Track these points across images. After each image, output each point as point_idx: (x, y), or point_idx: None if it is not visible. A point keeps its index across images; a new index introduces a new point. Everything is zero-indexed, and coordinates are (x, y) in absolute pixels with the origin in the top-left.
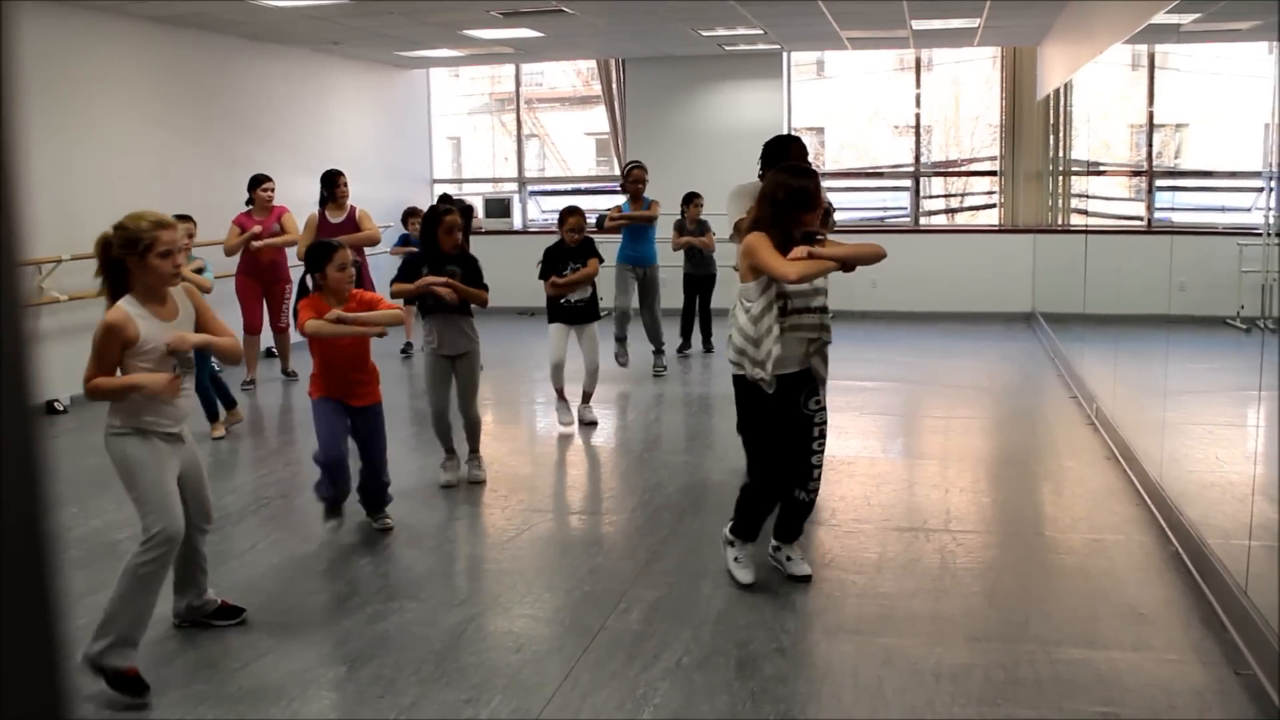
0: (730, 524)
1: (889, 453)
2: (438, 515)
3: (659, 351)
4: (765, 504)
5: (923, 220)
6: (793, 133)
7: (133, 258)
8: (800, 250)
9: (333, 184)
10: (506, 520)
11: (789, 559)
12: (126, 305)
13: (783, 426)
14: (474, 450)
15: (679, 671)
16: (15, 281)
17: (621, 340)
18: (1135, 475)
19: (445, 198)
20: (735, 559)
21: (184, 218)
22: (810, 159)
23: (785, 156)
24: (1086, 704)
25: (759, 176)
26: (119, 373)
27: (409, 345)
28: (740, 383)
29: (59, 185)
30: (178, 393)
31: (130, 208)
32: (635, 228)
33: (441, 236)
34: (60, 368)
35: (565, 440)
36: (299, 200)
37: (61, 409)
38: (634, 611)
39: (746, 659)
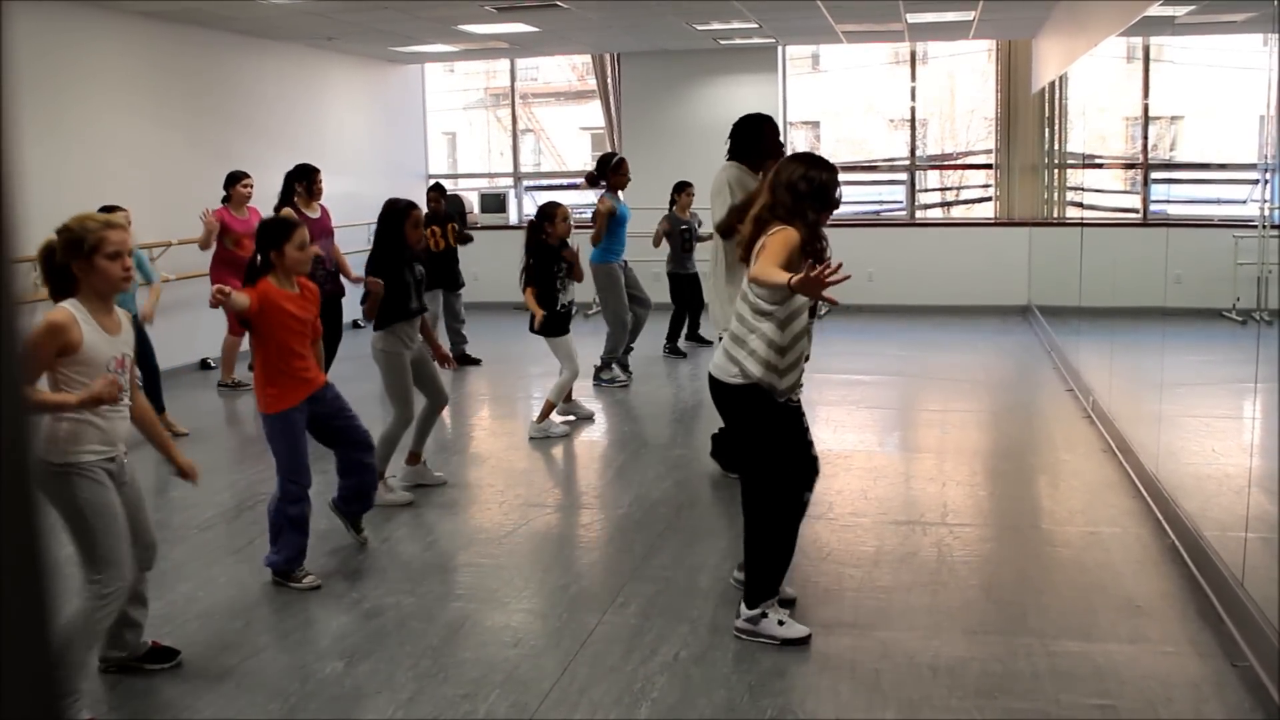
0: (749, 597)
1: (885, 446)
2: (434, 510)
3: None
4: (792, 533)
5: (918, 214)
6: (768, 120)
7: (79, 261)
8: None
9: (312, 179)
10: (503, 515)
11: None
12: (72, 307)
13: (795, 430)
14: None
15: (676, 666)
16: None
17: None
18: (1132, 468)
19: (437, 187)
20: (780, 622)
21: (114, 208)
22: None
23: (760, 138)
24: (1083, 696)
25: (728, 158)
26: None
27: None
28: (754, 395)
29: (52, 182)
30: (116, 396)
31: (124, 204)
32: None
33: (409, 231)
34: None
35: (561, 436)
36: None
37: None
38: (631, 606)
39: (744, 653)
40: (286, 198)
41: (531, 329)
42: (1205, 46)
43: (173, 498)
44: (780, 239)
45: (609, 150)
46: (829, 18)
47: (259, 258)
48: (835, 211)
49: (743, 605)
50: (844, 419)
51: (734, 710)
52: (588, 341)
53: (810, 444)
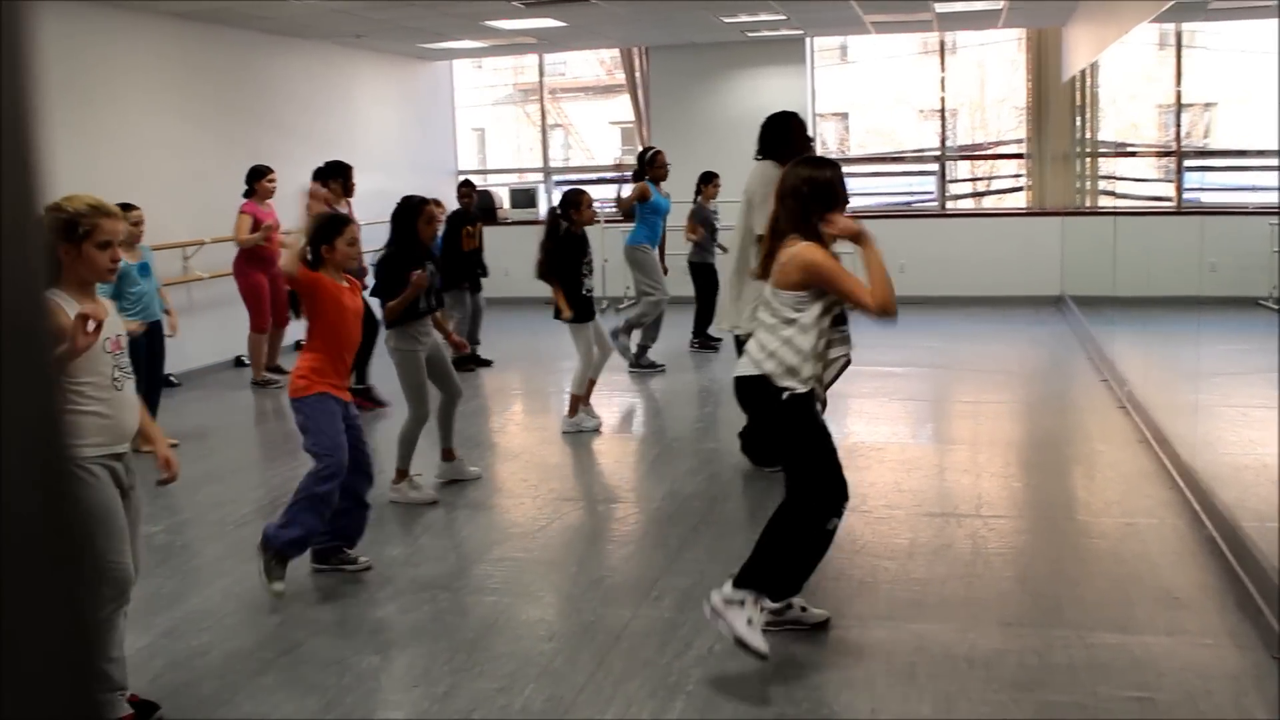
0: (740, 576)
1: (919, 438)
2: (467, 505)
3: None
4: (811, 543)
5: (949, 205)
6: (794, 116)
7: (67, 245)
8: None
9: (347, 176)
10: (537, 510)
11: (804, 609)
12: (55, 295)
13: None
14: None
15: (711, 659)
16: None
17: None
18: (1168, 458)
19: (467, 183)
20: (749, 620)
21: (129, 207)
22: (811, 136)
23: (788, 133)
24: (1121, 689)
25: (756, 158)
26: None
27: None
28: (788, 401)
29: (83, 182)
30: (89, 341)
31: (154, 203)
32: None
33: (421, 228)
34: None
35: (592, 431)
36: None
37: None
38: (665, 600)
39: (779, 646)
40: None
41: (557, 316)
42: (1238, 32)
43: (208, 494)
44: (818, 260)
45: (639, 144)
46: (857, 8)
47: (309, 253)
48: (848, 206)
49: (729, 582)
50: (877, 411)
51: (769, 703)
52: (665, 333)
53: (840, 466)
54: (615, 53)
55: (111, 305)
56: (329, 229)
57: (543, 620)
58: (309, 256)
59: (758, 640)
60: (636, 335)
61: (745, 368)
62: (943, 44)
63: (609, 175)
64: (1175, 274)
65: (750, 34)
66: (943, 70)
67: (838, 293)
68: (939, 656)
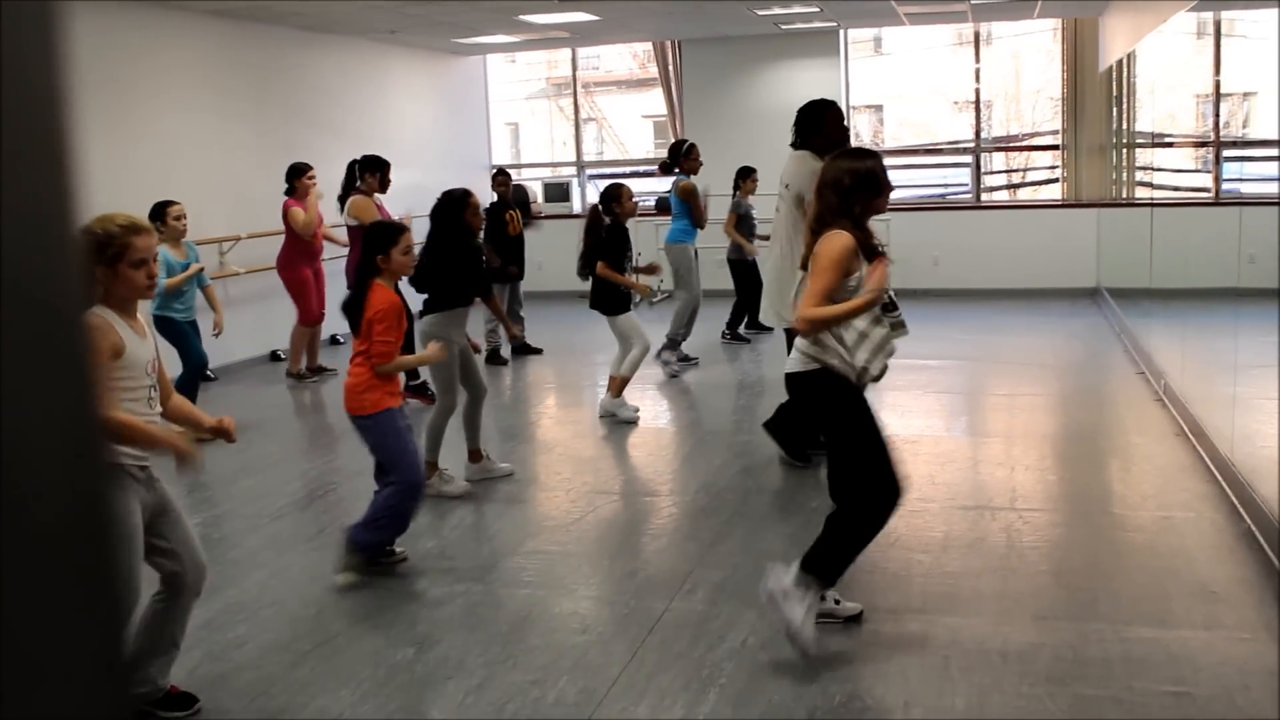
0: (805, 561)
1: (953, 431)
2: (501, 498)
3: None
4: (882, 523)
5: (984, 196)
6: (831, 105)
7: (101, 266)
8: (875, 275)
9: (385, 171)
10: (571, 503)
11: (838, 601)
12: (103, 312)
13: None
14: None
15: (744, 652)
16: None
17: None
18: (1205, 451)
19: (502, 172)
20: (808, 610)
21: (170, 203)
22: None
23: (823, 121)
24: (1157, 683)
25: (793, 145)
26: None
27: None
28: (832, 385)
29: (120, 180)
30: (196, 463)
31: (191, 199)
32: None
33: (470, 219)
34: None
35: (627, 424)
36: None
37: None
38: (699, 592)
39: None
40: (350, 187)
41: (592, 305)
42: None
43: (245, 487)
44: (829, 252)
45: (672, 138)
46: (891, 0)
47: (364, 261)
48: (890, 194)
49: (795, 567)
50: (911, 404)
51: (802, 697)
52: (654, 327)
53: (892, 460)
54: (648, 46)
55: (150, 328)
56: (384, 237)
57: (576, 613)
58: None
59: (809, 635)
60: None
61: (794, 364)
62: (977, 35)
63: (642, 169)
64: (1213, 265)
65: (783, 26)
66: (977, 61)
67: (811, 287)
68: (973, 650)
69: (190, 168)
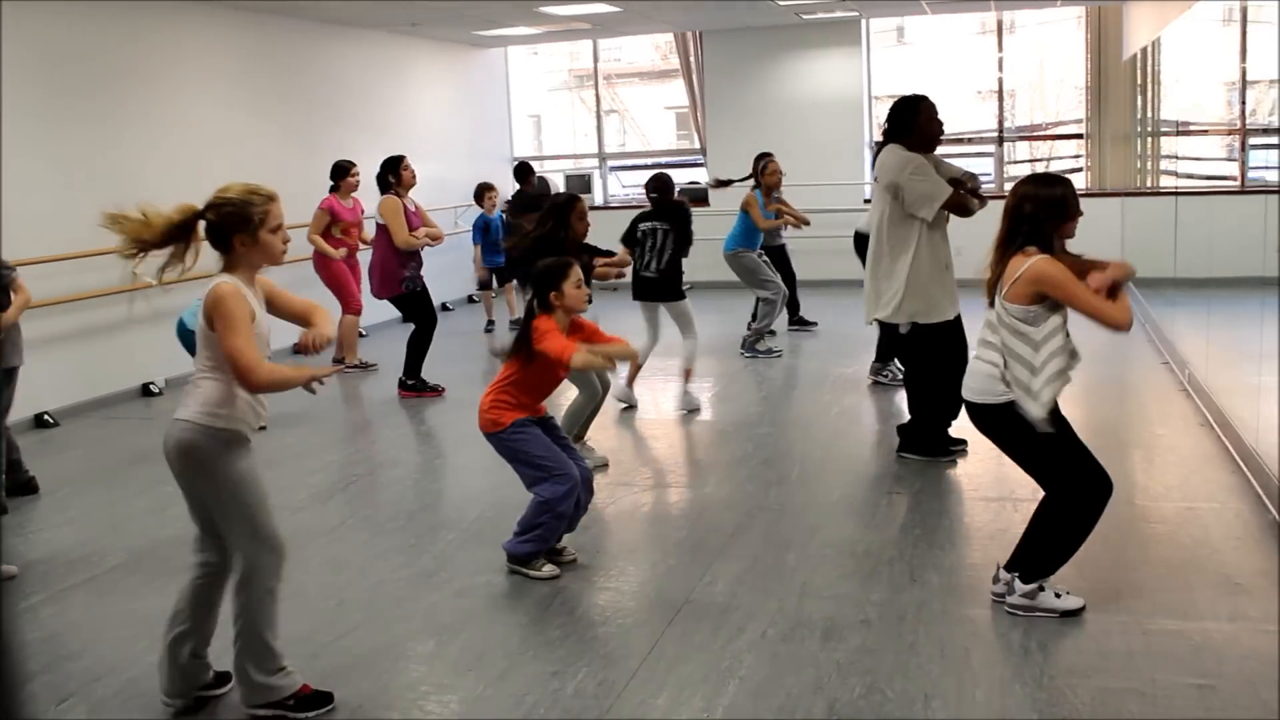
0: (1026, 572)
1: None
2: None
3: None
4: (1097, 517)
5: (1008, 186)
6: (925, 98)
7: (242, 234)
8: (1098, 279)
9: (400, 167)
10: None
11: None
12: (231, 279)
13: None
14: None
15: (764, 643)
16: None
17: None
18: (1230, 442)
19: (524, 165)
20: (1057, 594)
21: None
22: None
23: (916, 115)
24: (1180, 675)
25: (881, 141)
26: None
27: (491, 323)
28: (1015, 411)
29: (147, 173)
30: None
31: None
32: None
33: (575, 224)
34: (154, 351)
35: (648, 415)
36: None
37: (157, 391)
38: (719, 584)
39: (832, 630)
40: (384, 186)
41: (655, 296)
42: None
43: (267, 479)
44: (1056, 272)
45: (693, 129)
46: None
47: (538, 299)
48: (1081, 218)
49: (1017, 581)
50: None
51: (822, 688)
52: (715, 319)
53: (1092, 456)
54: (669, 37)
55: (264, 293)
56: (553, 276)
57: (596, 605)
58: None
59: (1075, 601)
60: (769, 338)
61: (979, 394)
62: (1000, 23)
63: (664, 160)
64: (1238, 254)
65: (805, 16)
66: (1000, 50)
67: (1073, 304)
68: (994, 642)
69: (214, 160)
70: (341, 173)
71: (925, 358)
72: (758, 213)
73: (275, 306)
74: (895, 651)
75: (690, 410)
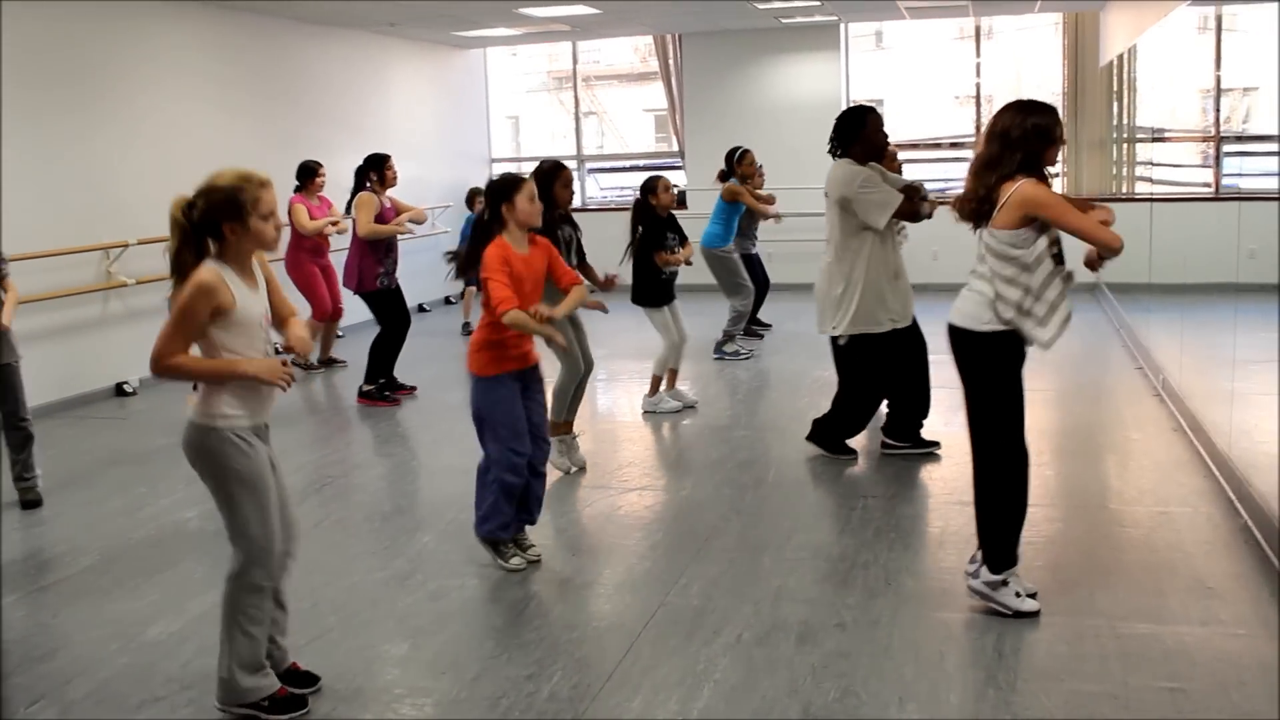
0: (991, 561)
1: (950, 425)
2: None
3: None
4: (1026, 483)
5: None
6: (872, 109)
7: (232, 222)
8: (1100, 213)
9: (384, 166)
10: (567, 497)
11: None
12: (218, 267)
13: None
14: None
15: (739, 647)
16: None
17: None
18: (1203, 447)
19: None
20: (1018, 593)
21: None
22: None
23: (863, 128)
24: (1153, 679)
25: (831, 154)
26: (198, 351)
27: (467, 325)
28: (1003, 344)
29: (122, 171)
30: (289, 381)
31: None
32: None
33: (559, 191)
34: (129, 351)
35: (624, 418)
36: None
37: (131, 391)
38: (694, 587)
39: (807, 634)
40: (361, 183)
41: (634, 299)
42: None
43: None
44: (1043, 194)
45: (672, 131)
46: None
47: (487, 215)
48: (1064, 144)
49: (984, 568)
50: None
51: (797, 692)
52: (695, 321)
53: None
54: (649, 40)
55: (261, 268)
56: (507, 187)
57: (571, 608)
58: (485, 218)
59: (1031, 605)
60: (739, 340)
61: (965, 319)
62: (978, 29)
63: (643, 163)
64: (1212, 260)
65: (784, 20)
66: (979, 56)
67: (1066, 227)
68: (968, 645)
69: (190, 159)
70: (309, 173)
71: (864, 368)
72: (750, 198)
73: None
74: (870, 655)
75: (661, 411)
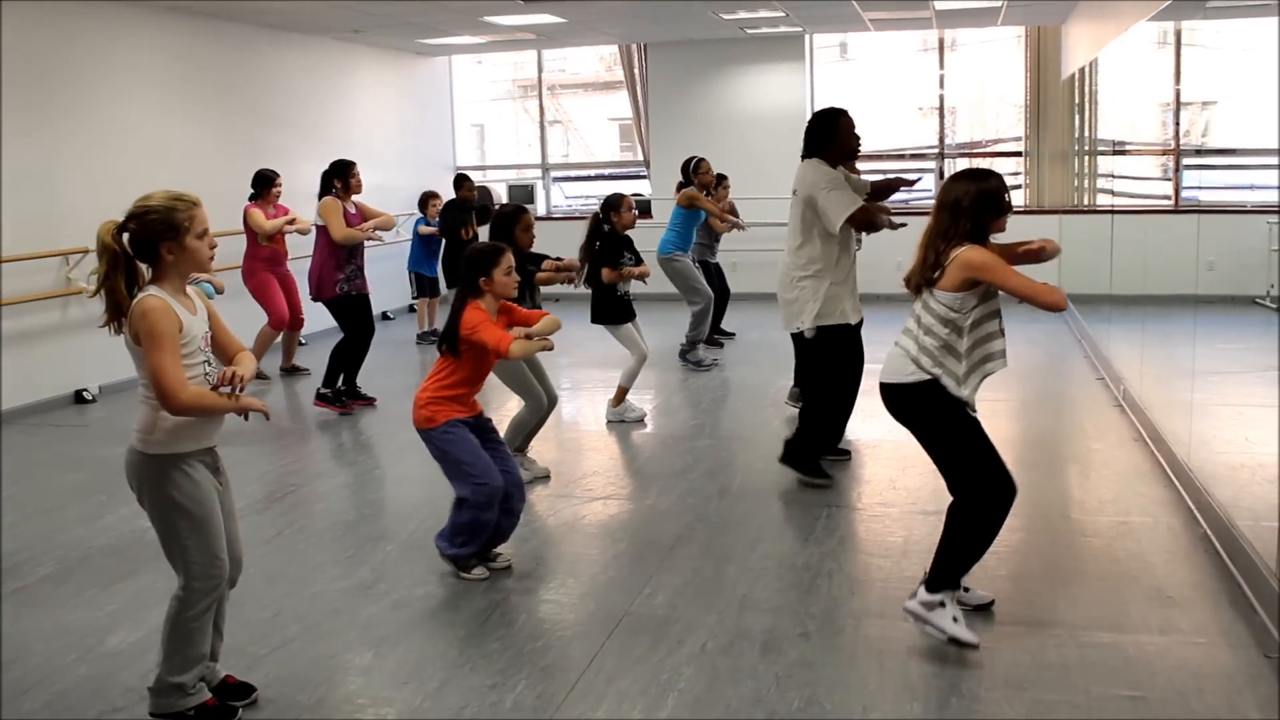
0: (932, 580)
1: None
2: None
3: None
4: (992, 534)
5: None
6: (844, 111)
7: (169, 242)
8: (1028, 246)
9: (349, 173)
10: (531, 505)
11: (966, 590)
12: (158, 292)
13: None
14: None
15: (704, 656)
16: None
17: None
18: (1163, 457)
19: (464, 177)
20: (955, 618)
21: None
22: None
23: (835, 131)
24: (1114, 688)
25: (803, 156)
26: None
27: (433, 332)
28: (927, 390)
29: (83, 177)
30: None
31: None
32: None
33: (520, 235)
34: (88, 358)
35: (589, 427)
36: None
37: (90, 398)
38: (659, 596)
39: (771, 643)
40: (326, 189)
41: (593, 319)
42: (1239, 30)
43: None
44: (986, 258)
45: (637, 141)
46: (856, 6)
47: (466, 283)
48: (1011, 213)
49: (922, 588)
50: (872, 408)
51: (761, 701)
52: (657, 331)
53: (1001, 460)
54: (614, 49)
55: (202, 299)
56: (482, 262)
57: (535, 617)
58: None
59: (968, 634)
60: (702, 349)
61: (890, 374)
62: (942, 42)
63: (608, 172)
64: (1172, 272)
65: (749, 31)
66: (942, 68)
67: (1006, 288)
68: (932, 655)
69: (152, 166)
70: (266, 182)
71: (830, 361)
72: (709, 203)
73: (212, 332)
74: (834, 664)
75: (627, 421)
